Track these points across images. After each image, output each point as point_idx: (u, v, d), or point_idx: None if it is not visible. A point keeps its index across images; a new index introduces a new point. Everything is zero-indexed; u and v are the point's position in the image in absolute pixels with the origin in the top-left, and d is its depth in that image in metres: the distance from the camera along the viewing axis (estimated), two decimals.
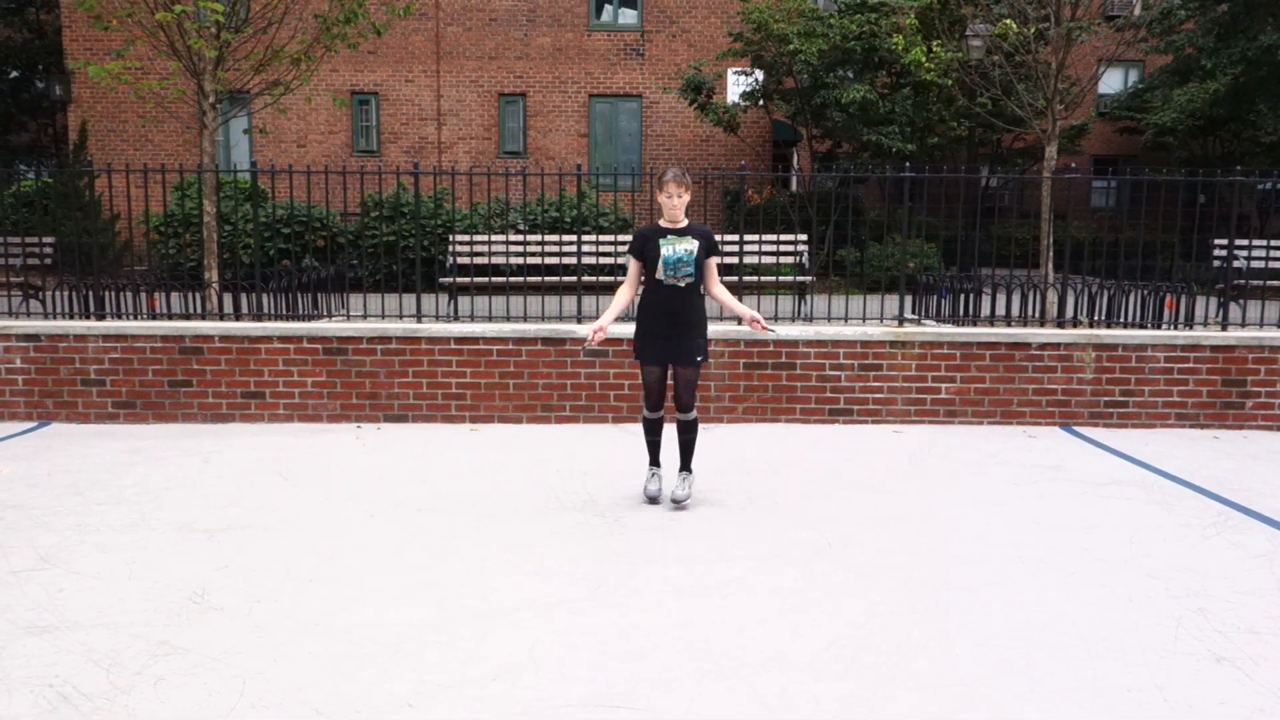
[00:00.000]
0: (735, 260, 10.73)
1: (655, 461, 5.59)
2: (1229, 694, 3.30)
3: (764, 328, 5.13)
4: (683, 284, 5.17)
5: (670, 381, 5.36)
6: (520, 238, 10.13)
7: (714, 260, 5.28)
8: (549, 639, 3.68)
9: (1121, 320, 8.62)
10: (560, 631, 3.75)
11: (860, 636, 3.73)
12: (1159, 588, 4.27)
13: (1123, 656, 3.58)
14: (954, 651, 3.60)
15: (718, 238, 11.09)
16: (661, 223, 5.24)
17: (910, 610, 3.99)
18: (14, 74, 24.60)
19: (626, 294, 5.32)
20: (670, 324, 5.19)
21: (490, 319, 8.06)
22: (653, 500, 5.47)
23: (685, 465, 5.46)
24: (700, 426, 7.37)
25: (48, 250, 11.46)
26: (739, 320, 5.29)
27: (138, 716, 3.07)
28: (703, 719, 3.10)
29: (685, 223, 5.22)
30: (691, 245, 5.15)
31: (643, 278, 5.33)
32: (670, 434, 5.96)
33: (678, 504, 5.34)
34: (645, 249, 5.21)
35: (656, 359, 5.28)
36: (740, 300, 8.40)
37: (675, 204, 5.12)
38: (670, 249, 5.14)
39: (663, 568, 4.45)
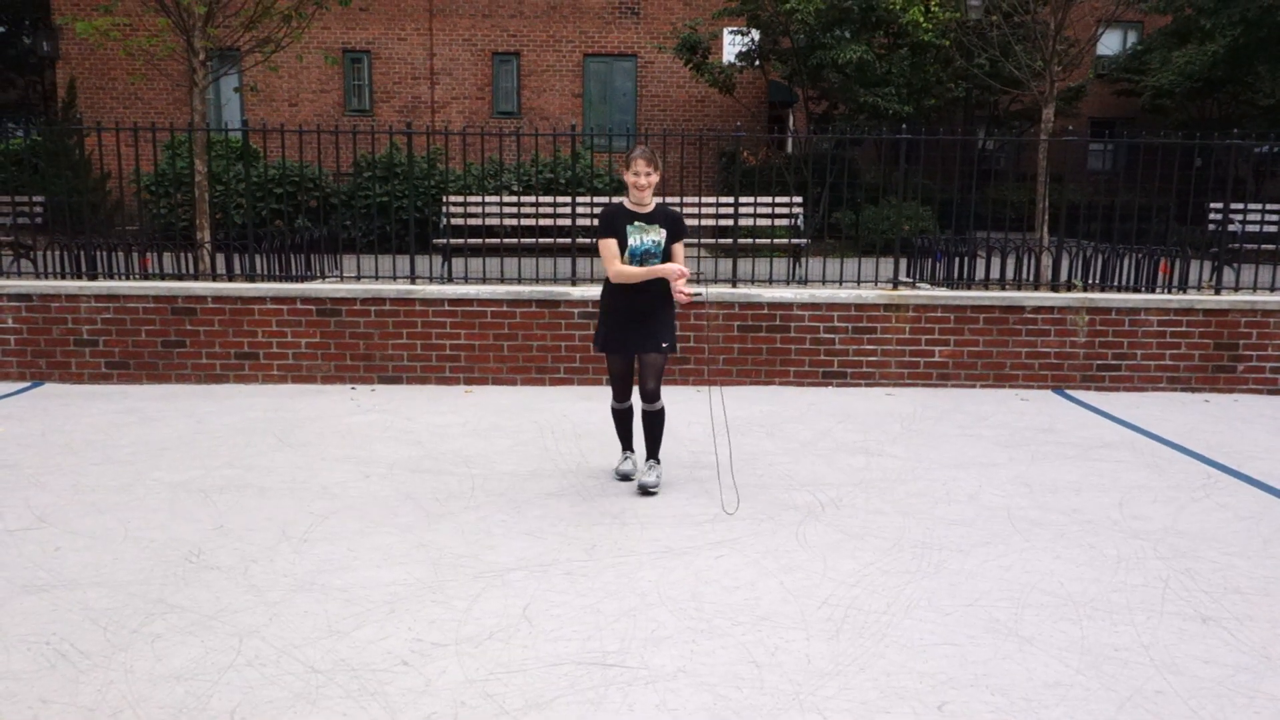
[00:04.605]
0: (730, 223, 10.69)
1: (628, 446, 5.34)
2: (1214, 653, 3.34)
3: (686, 294, 4.76)
4: None
5: (637, 368, 5.06)
6: (514, 199, 10.08)
7: (680, 245, 4.96)
8: (543, 598, 3.72)
9: (1115, 284, 8.63)
10: (554, 591, 3.78)
11: (851, 596, 3.77)
12: (1147, 549, 4.32)
13: (1110, 616, 3.62)
14: (944, 611, 3.65)
15: (709, 204, 11.08)
16: (627, 204, 4.92)
17: (901, 570, 4.03)
18: (1, 30, 24.26)
19: (625, 264, 4.93)
20: (636, 316, 4.93)
21: (484, 280, 8.03)
22: (624, 478, 5.25)
23: (652, 454, 5.12)
24: (694, 389, 7.39)
25: (38, 209, 11.38)
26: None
27: (135, 674, 3.10)
28: (695, 677, 3.14)
29: (653, 205, 4.92)
30: (659, 235, 4.88)
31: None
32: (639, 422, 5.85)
33: (645, 490, 5.00)
34: (614, 228, 4.90)
35: (622, 349, 5.01)
36: (734, 265, 8.41)
37: (644, 183, 4.78)
38: (638, 238, 4.87)
39: (656, 529, 4.48)
